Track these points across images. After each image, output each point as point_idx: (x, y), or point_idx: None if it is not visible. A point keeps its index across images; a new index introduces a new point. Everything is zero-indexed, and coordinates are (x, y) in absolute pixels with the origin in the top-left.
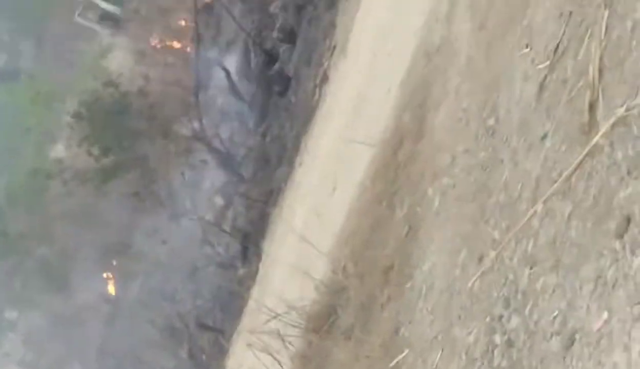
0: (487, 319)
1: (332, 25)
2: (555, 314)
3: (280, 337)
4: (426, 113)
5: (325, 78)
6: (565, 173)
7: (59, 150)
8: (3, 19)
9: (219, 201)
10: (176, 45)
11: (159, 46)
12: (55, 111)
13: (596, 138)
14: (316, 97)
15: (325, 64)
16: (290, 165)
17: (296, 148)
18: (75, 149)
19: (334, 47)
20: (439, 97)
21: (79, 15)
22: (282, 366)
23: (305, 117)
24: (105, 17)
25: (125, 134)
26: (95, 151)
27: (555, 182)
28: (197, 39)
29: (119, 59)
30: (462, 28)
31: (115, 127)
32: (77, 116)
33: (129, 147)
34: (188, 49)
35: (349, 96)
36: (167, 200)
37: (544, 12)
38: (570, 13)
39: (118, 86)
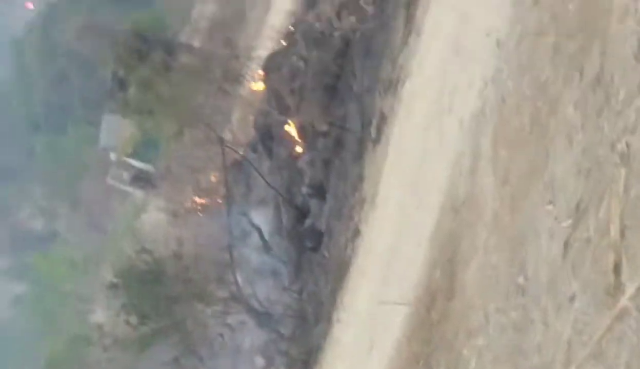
0: None
1: (360, 178)
2: None
3: None
4: (456, 269)
5: (356, 232)
6: (595, 337)
7: (97, 316)
8: (39, 184)
9: (260, 361)
10: (208, 203)
11: (191, 205)
12: (91, 277)
13: (623, 301)
14: (349, 251)
15: (356, 218)
16: (328, 321)
17: (332, 304)
18: (114, 316)
19: (364, 200)
20: (468, 252)
21: (111, 177)
22: None
23: (339, 272)
24: (138, 177)
25: (161, 300)
26: (133, 320)
27: (587, 345)
28: (228, 197)
29: (152, 220)
30: (486, 182)
31: (152, 294)
32: (112, 286)
33: (166, 313)
34: (220, 207)
35: (380, 251)
36: (207, 364)
37: (564, 168)
38: (589, 170)
39: (152, 252)
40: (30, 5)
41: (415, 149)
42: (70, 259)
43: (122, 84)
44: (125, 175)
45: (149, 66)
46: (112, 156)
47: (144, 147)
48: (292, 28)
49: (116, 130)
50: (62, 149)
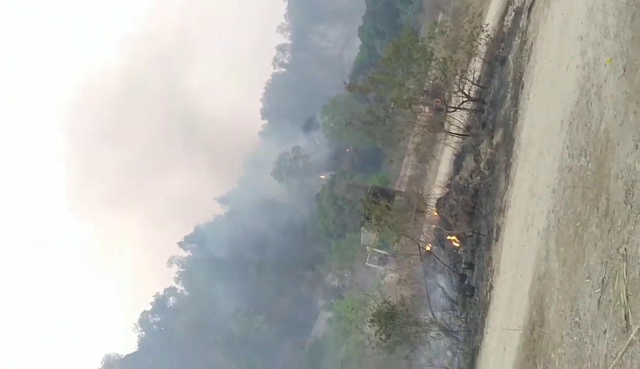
0: None
1: (490, 259)
2: None
3: None
4: (544, 310)
5: (491, 287)
6: (618, 355)
7: (366, 332)
8: (335, 262)
9: (449, 353)
10: (415, 273)
11: (406, 274)
12: (363, 313)
13: (631, 337)
14: (488, 297)
15: (490, 280)
16: (482, 333)
17: (483, 324)
18: (374, 334)
19: (493, 271)
20: (549, 302)
21: (368, 260)
22: None
23: (484, 310)
24: (381, 259)
25: (397, 327)
26: (383, 337)
27: (614, 358)
28: (424, 270)
29: (389, 282)
30: (554, 265)
31: (392, 324)
32: (372, 320)
33: (400, 333)
34: (422, 276)
35: (504, 298)
36: (423, 354)
37: (593, 260)
38: (607, 261)
39: (390, 302)
40: (323, 177)
41: (516, 247)
42: (352, 303)
43: (368, 216)
44: (375, 259)
45: (380, 205)
46: (368, 249)
47: (383, 244)
48: (449, 183)
49: (368, 237)
50: (343, 247)
